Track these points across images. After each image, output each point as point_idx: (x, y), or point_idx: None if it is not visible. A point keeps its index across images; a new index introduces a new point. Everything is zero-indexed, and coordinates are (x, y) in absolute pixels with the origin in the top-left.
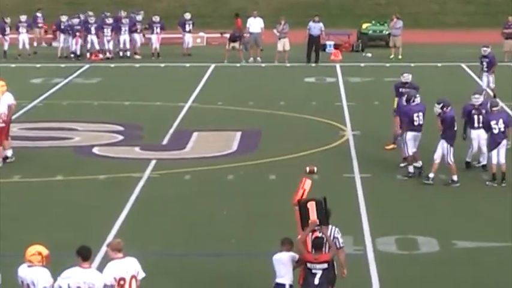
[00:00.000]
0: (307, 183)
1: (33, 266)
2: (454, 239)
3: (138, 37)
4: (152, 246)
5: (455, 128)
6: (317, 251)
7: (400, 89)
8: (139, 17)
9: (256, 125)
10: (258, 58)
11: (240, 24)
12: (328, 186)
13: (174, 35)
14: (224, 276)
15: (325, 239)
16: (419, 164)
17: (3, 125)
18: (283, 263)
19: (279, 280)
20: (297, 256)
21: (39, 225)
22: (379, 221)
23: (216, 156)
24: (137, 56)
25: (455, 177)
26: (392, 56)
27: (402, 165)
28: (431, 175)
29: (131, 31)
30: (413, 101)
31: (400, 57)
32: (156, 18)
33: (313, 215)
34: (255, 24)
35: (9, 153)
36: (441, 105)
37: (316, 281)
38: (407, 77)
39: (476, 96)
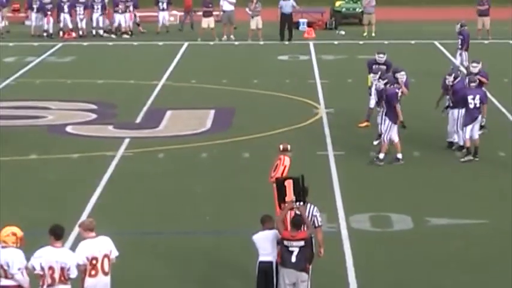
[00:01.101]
0: (287, 161)
1: (8, 247)
2: (427, 216)
3: (117, 17)
4: (126, 225)
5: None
6: (295, 228)
7: (374, 66)
8: None
9: (229, 103)
10: (232, 36)
11: (189, 2)
12: (302, 164)
13: (148, 13)
14: (199, 254)
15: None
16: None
17: None
18: (270, 240)
19: (265, 258)
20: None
21: (14, 204)
22: (352, 198)
23: (190, 134)
24: (125, 35)
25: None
26: (365, 34)
27: (376, 142)
28: (399, 155)
29: (114, 10)
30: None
31: (373, 34)
32: None
33: (290, 193)
34: (228, 2)
35: None
36: (385, 81)
37: (293, 259)
38: (382, 58)
39: (447, 76)
